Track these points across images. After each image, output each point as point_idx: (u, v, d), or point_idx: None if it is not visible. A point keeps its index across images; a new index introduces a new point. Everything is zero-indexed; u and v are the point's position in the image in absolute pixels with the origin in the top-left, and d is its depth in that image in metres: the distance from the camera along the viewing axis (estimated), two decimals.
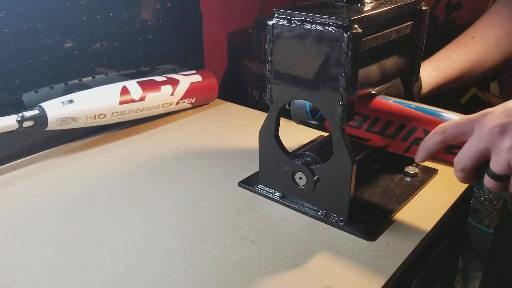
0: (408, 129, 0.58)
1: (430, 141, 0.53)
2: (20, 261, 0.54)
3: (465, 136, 0.50)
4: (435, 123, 0.54)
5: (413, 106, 0.59)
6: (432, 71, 0.72)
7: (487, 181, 0.49)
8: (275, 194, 0.65)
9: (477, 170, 0.50)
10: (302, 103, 0.63)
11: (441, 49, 0.76)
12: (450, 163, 0.53)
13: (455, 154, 0.51)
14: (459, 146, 0.51)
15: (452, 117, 0.55)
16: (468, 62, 0.74)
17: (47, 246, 0.56)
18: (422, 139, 0.55)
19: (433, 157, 0.54)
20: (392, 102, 0.61)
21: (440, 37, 1.54)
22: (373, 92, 0.62)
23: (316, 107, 0.60)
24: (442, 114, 0.57)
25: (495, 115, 0.48)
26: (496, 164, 0.47)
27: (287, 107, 0.62)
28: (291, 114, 0.65)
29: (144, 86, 0.85)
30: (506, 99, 0.49)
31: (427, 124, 0.56)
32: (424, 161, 0.55)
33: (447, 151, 0.54)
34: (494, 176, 0.48)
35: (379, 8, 0.56)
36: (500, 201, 1.42)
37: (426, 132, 0.55)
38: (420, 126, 0.57)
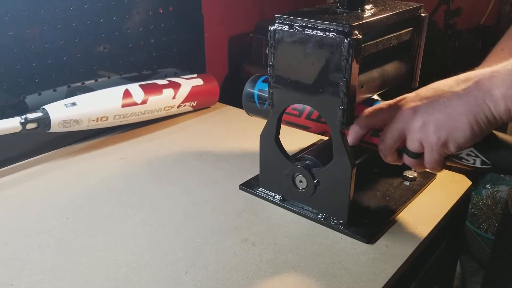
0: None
1: (357, 124, 0.57)
2: (23, 261, 0.54)
3: (386, 120, 0.55)
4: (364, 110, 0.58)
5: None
6: None
7: (406, 159, 0.55)
8: (275, 197, 0.65)
9: (399, 151, 0.55)
10: (251, 92, 0.67)
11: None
12: (376, 146, 0.57)
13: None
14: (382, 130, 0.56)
15: (378, 103, 0.59)
16: None
17: (49, 246, 0.57)
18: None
19: (361, 140, 0.58)
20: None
21: (439, 43, 1.55)
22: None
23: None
24: (373, 101, 0.61)
25: (408, 99, 0.54)
26: (410, 143, 0.53)
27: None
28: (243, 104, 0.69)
29: (146, 89, 0.85)
30: None
31: (361, 112, 0.59)
32: (354, 143, 0.58)
33: (373, 134, 0.58)
34: (411, 154, 0.54)
35: (379, 15, 0.56)
36: (499, 205, 1.43)
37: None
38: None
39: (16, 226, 0.61)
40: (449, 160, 0.53)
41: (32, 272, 0.53)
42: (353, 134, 0.57)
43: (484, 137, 0.50)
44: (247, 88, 0.70)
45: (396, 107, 0.54)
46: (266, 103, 0.64)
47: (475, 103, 0.47)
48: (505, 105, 0.46)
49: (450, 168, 0.60)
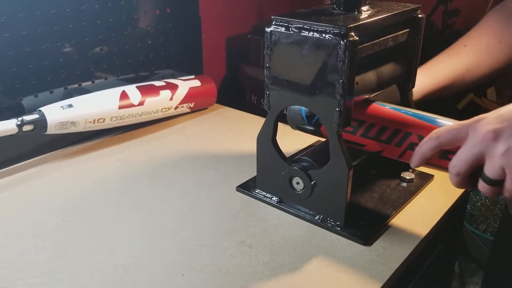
0: (402, 134, 0.58)
1: (425, 146, 0.53)
2: (19, 264, 0.54)
3: (459, 142, 0.50)
4: (429, 129, 0.55)
5: (408, 112, 0.60)
6: (424, 78, 0.72)
7: (482, 186, 0.50)
8: (272, 198, 0.65)
9: (471, 175, 0.51)
10: (298, 108, 0.64)
11: (434, 57, 0.76)
12: (445, 169, 0.53)
13: (450, 159, 0.52)
14: (453, 152, 0.51)
15: (446, 122, 0.56)
16: (460, 69, 0.75)
17: (46, 249, 0.57)
18: (416, 144, 0.55)
19: (427, 162, 0.55)
20: (387, 108, 0.61)
21: (437, 43, 1.55)
22: (369, 98, 0.63)
23: (313, 112, 0.61)
24: (437, 120, 0.57)
25: (488, 121, 0.48)
26: (490, 169, 0.48)
27: (284, 112, 0.62)
28: (287, 119, 0.66)
29: (143, 90, 0.85)
30: (502, 104, 0.50)
31: (421, 129, 0.57)
32: (419, 166, 0.55)
33: (441, 157, 0.54)
34: (488, 181, 0.49)
35: (375, 16, 0.56)
36: (497, 206, 1.43)
37: (421, 138, 0.55)
38: (414, 131, 0.57)
39: (12, 228, 0.61)
40: None
41: (28, 275, 0.52)
42: (419, 156, 0.54)
43: None
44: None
45: (473, 129, 0.49)
46: (314, 119, 0.63)
47: None
48: None
49: None
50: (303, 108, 0.63)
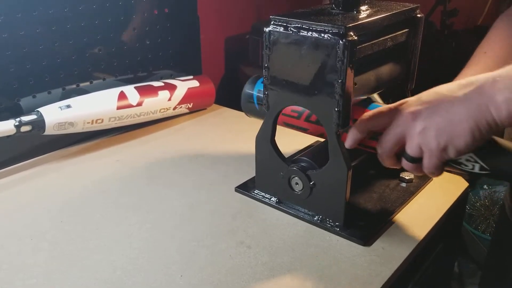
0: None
1: (356, 127, 0.56)
2: (17, 265, 0.54)
3: (386, 124, 0.54)
4: (363, 112, 0.57)
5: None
6: None
7: (404, 163, 0.54)
8: (271, 199, 0.65)
9: (398, 155, 0.55)
10: (250, 93, 0.66)
11: (460, 74, 0.76)
12: (375, 148, 0.56)
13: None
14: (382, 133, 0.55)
15: (377, 106, 0.58)
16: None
17: (43, 250, 0.56)
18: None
19: (360, 144, 0.58)
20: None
21: (436, 43, 1.55)
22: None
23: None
24: (373, 104, 0.60)
25: (409, 103, 0.53)
26: (410, 147, 0.52)
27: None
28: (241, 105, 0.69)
29: (142, 91, 0.85)
30: None
31: (358, 114, 0.58)
32: (352, 146, 0.58)
33: (372, 138, 0.58)
34: (410, 159, 0.53)
35: (374, 16, 0.56)
36: (496, 206, 1.43)
37: (354, 122, 0.58)
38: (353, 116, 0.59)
39: (10, 229, 0.60)
40: (447, 165, 0.53)
41: (26, 276, 0.52)
42: (351, 137, 0.57)
43: (484, 143, 0.49)
44: (246, 89, 0.69)
45: (397, 111, 0.53)
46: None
47: (477, 108, 0.47)
48: (507, 110, 0.46)
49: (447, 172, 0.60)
50: (255, 93, 0.66)
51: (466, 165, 0.52)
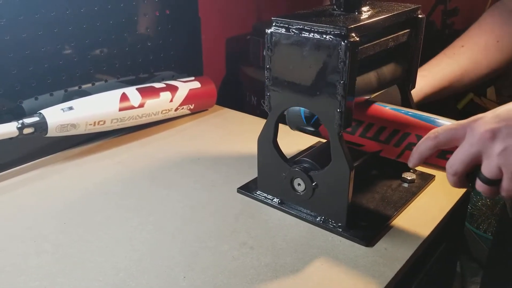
0: (401, 134, 0.58)
1: (423, 146, 0.53)
2: (20, 267, 0.54)
3: (457, 141, 0.51)
4: (427, 129, 0.55)
5: (407, 112, 0.60)
6: (422, 80, 0.72)
7: (479, 185, 0.50)
8: (273, 200, 0.65)
9: (469, 175, 0.51)
10: (298, 109, 0.63)
11: (432, 58, 0.76)
12: (443, 168, 0.53)
13: (447, 159, 0.52)
14: (451, 151, 0.51)
15: (444, 122, 0.56)
16: (458, 70, 0.75)
17: (46, 252, 0.57)
18: (415, 144, 0.55)
19: (425, 162, 0.55)
20: (387, 108, 0.61)
21: (437, 43, 1.55)
22: (370, 98, 0.63)
23: (313, 113, 0.61)
24: (435, 120, 0.57)
25: (486, 120, 0.48)
26: (487, 169, 0.48)
27: (284, 113, 0.62)
28: (286, 120, 0.65)
29: (143, 92, 0.85)
30: (502, 104, 0.50)
31: (419, 129, 0.57)
32: (417, 165, 0.55)
33: (439, 156, 0.54)
34: (486, 181, 0.49)
35: (376, 17, 0.56)
36: (498, 206, 1.43)
37: (419, 138, 0.56)
38: (413, 131, 0.58)
39: (13, 231, 0.61)
40: None
41: (29, 278, 0.52)
42: (417, 156, 0.54)
43: None
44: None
45: (471, 129, 0.49)
46: (313, 119, 0.62)
47: None
48: None
49: None
50: (302, 108, 0.63)
51: None
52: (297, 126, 0.66)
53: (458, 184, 0.52)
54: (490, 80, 1.56)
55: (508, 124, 0.47)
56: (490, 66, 0.75)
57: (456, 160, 0.50)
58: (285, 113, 0.63)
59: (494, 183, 0.49)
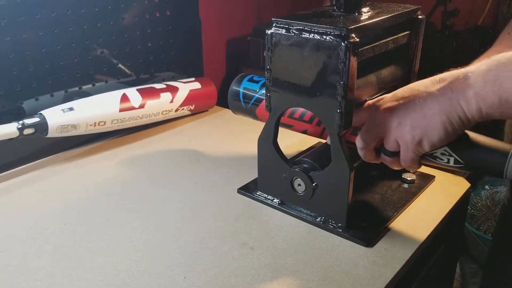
0: None
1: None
2: (21, 267, 0.54)
3: (364, 119, 0.57)
4: None
5: None
6: None
7: (383, 158, 0.57)
8: (274, 200, 0.65)
9: (376, 149, 0.57)
10: (237, 91, 0.68)
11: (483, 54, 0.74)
12: (354, 143, 0.59)
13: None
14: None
15: None
16: None
17: (47, 252, 0.57)
18: None
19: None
20: None
21: (437, 44, 1.55)
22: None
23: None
24: None
25: (386, 99, 0.55)
26: (387, 142, 0.55)
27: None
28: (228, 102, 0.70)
29: (144, 93, 0.85)
30: None
31: None
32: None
33: (352, 133, 0.60)
34: (387, 153, 0.56)
35: (376, 18, 0.56)
36: (498, 207, 1.43)
37: None
38: None
39: (14, 232, 0.61)
40: (424, 159, 0.55)
41: (29, 279, 0.52)
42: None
43: (458, 137, 0.51)
44: (233, 87, 0.72)
45: (374, 107, 0.56)
46: (251, 102, 0.66)
47: (449, 103, 0.49)
48: (477, 105, 0.48)
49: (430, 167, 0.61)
50: (241, 90, 0.68)
51: (441, 159, 0.54)
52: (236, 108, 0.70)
53: (367, 157, 0.58)
54: None
55: (403, 102, 0.53)
56: None
57: (363, 136, 0.56)
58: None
59: (395, 154, 0.55)
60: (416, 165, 0.55)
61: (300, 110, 0.65)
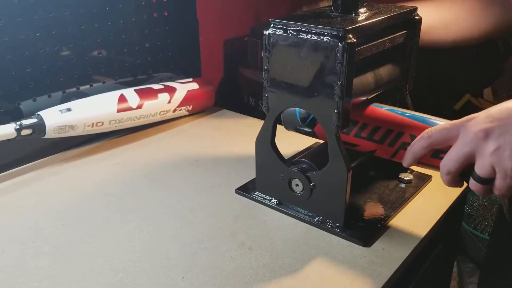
0: (395, 134, 0.59)
1: (417, 145, 0.54)
2: (19, 268, 0.54)
3: (450, 141, 0.51)
4: (421, 129, 0.56)
5: (402, 113, 0.60)
6: None
7: (472, 184, 0.51)
8: (271, 201, 0.65)
9: (462, 174, 0.51)
10: (293, 109, 0.64)
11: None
12: (437, 168, 0.54)
13: (441, 158, 0.52)
14: (445, 151, 0.52)
15: (438, 122, 0.57)
16: (439, 23, 0.74)
17: (45, 253, 0.57)
18: (409, 144, 0.56)
19: (420, 161, 0.56)
20: (381, 109, 0.62)
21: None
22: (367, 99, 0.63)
23: (309, 114, 0.61)
24: (429, 119, 0.58)
25: (479, 120, 0.49)
26: (481, 168, 0.49)
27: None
28: (282, 121, 0.66)
29: (142, 94, 0.85)
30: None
31: (413, 129, 0.58)
32: (411, 165, 0.56)
33: (433, 156, 0.55)
34: (479, 179, 0.50)
35: (373, 18, 0.57)
36: (495, 206, 1.43)
37: (413, 137, 0.56)
38: (406, 131, 0.58)
39: (12, 233, 0.61)
40: None
41: (28, 280, 0.52)
42: (411, 156, 0.54)
43: None
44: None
45: (464, 128, 0.50)
46: (308, 120, 0.63)
47: None
48: None
49: None
50: (297, 109, 0.63)
51: None
52: (293, 127, 0.66)
53: (452, 183, 0.52)
54: (486, 81, 1.57)
55: (500, 124, 0.47)
56: (470, 30, 0.75)
57: (450, 160, 0.51)
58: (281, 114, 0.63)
59: (487, 182, 0.49)
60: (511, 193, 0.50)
61: (370, 127, 0.61)
